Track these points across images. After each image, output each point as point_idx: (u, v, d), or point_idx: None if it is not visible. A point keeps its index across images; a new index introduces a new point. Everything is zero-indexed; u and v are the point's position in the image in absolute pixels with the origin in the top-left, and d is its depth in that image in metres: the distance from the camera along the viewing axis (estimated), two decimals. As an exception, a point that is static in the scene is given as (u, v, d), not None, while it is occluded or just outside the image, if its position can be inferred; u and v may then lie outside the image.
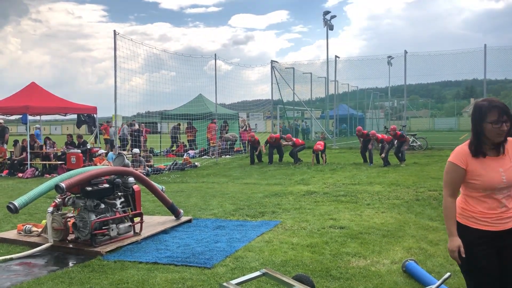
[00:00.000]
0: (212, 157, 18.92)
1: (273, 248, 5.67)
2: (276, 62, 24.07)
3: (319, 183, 11.31)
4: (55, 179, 6.09)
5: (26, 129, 17.00)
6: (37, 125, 20.51)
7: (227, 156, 20.10)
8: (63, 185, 5.62)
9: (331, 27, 25.98)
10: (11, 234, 6.52)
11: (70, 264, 5.38)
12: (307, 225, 6.87)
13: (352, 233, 6.28)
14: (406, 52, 21.65)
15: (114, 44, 13.09)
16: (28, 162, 15.00)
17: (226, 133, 21.85)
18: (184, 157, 18.04)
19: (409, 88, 25.90)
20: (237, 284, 3.88)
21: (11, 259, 5.50)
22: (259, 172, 14.18)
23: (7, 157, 16.06)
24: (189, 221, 7.35)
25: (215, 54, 18.01)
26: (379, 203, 8.51)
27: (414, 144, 20.62)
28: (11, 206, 5.57)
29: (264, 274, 4.18)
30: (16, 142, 16.29)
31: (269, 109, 25.25)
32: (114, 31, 13.14)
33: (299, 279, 3.97)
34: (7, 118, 19.29)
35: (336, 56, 24.65)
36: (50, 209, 6.02)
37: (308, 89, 30.46)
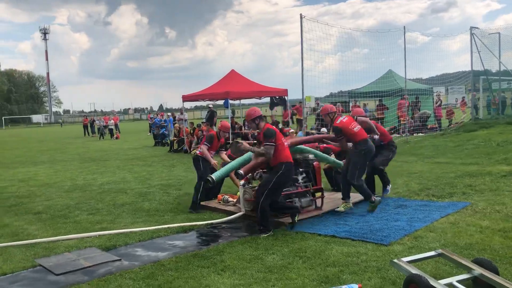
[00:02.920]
0: (403, 135, 18.19)
1: (457, 230, 5.31)
2: (477, 28, 21.55)
3: (526, 162, 9.92)
4: (242, 158, 6.71)
5: (229, 113, 19.09)
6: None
7: (420, 134, 19.05)
8: (241, 172, 6.22)
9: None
10: (213, 203, 7.53)
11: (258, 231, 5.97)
12: (502, 208, 6.18)
13: (559, 220, 5.43)
14: None
15: (301, 27, 13.60)
16: (231, 142, 16.80)
17: (419, 110, 20.67)
18: (373, 135, 17.77)
19: None
20: (409, 262, 3.81)
21: (212, 224, 6.39)
22: (455, 150, 13.08)
23: (214, 138, 18.29)
24: (370, 198, 7.33)
25: (404, 27, 17.14)
26: None
27: None
28: (209, 179, 6.42)
29: (440, 255, 4.00)
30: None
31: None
32: (301, 14, 13.63)
33: (479, 262, 3.68)
34: (214, 102, 21.84)
35: (556, 14, 20.78)
36: (242, 182, 6.75)
37: (521, 56, 26.38)
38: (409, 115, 19.68)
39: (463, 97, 25.49)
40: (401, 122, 19.20)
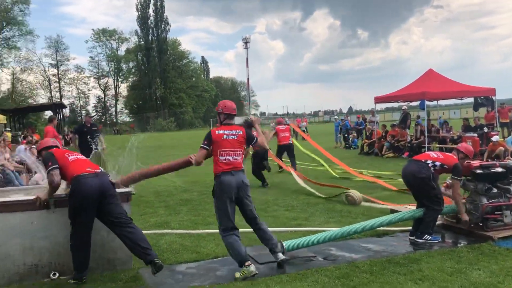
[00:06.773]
0: None
1: None
2: None
3: None
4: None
5: (425, 114, 18.02)
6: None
7: None
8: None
9: None
10: (402, 209, 7.21)
11: (461, 244, 5.53)
12: None
13: None
14: None
15: None
16: (426, 145, 15.83)
17: None
18: None
19: None
20: None
21: (407, 230, 6.12)
22: None
23: (407, 140, 17.48)
24: None
25: None
26: None
27: None
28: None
29: None
30: (416, 125, 17.52)
31: None
32: (515, 3, 12.06)
33: None
34: (409, 104, 20.88)
35: None
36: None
37: None
38: None
39: None
40: None
